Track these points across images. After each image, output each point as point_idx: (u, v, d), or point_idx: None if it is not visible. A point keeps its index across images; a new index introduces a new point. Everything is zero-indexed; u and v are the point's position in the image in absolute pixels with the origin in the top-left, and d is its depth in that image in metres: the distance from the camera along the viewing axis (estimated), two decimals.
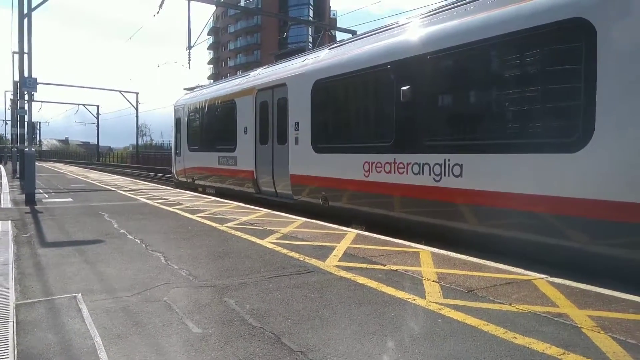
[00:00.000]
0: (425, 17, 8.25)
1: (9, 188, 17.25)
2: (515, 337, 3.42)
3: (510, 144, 6.38)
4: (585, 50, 5.51)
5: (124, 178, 25.55)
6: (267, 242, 6.94)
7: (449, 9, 7.76)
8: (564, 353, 3.16)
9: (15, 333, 3.51)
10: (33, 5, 13.93)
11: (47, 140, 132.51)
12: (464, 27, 7.09)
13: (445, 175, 7.21)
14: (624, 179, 5.20)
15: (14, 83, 26.06)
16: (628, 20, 5.23)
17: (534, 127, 6.24)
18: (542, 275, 5.07)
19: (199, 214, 9.98)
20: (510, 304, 4.15)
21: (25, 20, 13.87)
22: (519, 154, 6.23)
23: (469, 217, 6.95)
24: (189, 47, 18.42)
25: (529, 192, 6.06)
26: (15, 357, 3.11)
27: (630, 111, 5.19)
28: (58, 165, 49.80)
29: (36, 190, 12.91)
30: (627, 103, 5.22)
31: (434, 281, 4.89)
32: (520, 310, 4.00)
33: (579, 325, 3.64)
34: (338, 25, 36.08)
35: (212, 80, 75.75)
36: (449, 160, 7.17)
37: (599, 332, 3.51)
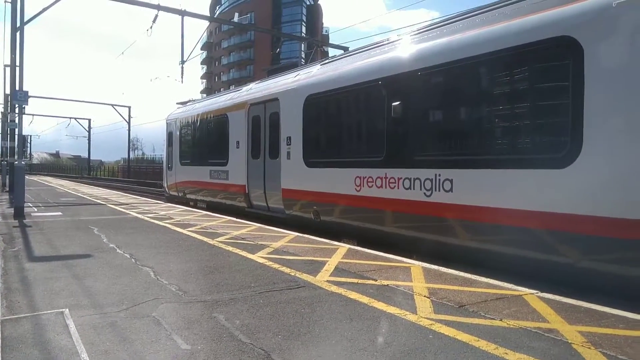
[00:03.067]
0: (416, 34, 8.36)
1: None
2: (506, 353, 3.41)
3: (501, 160, 6.43)
4: (572, 67, 5.60)
5: (115, 192, 25.37)
6: (258, 257, 6.90)
7: (439, 26, 7.88)
8: None
9: (0, 349, 3.44)
10: (25, 19, 13.97)
11: (38, 153, 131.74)
12: (454, 44, 7.19)
13: (435, 190, 7.24)
14: (613, 195, 5.25)
15: (5, 96, 25.99)
16: (614, 39, 5.33)
17: (524, 143, 6.31)
18: (533, 291, 5.08)
19: (190, 228, 9.92)
20: (501, 320, 4.15)
21: (18, 34, 13.88)
22: (509, 170, 6.27)
23: (460, 232, 6.96)
24: (182, 62, 18.50)
25: (518, 207, 6.09)
26: None
27: (617, 127, 5.27)
28: (48, 178, 49.40)
29: (25, 204, 12.79)
30: (614, 119, 5.29)
31: (425, 296, 4.88)
32: (511, 326, 3.99)
33: (570, 341, 3.64)
34: (330, 41, 36.40)
35: (204, 95, 75.89)
36: (439, 175, 7.20)
37: (589, 348, 3.51)
